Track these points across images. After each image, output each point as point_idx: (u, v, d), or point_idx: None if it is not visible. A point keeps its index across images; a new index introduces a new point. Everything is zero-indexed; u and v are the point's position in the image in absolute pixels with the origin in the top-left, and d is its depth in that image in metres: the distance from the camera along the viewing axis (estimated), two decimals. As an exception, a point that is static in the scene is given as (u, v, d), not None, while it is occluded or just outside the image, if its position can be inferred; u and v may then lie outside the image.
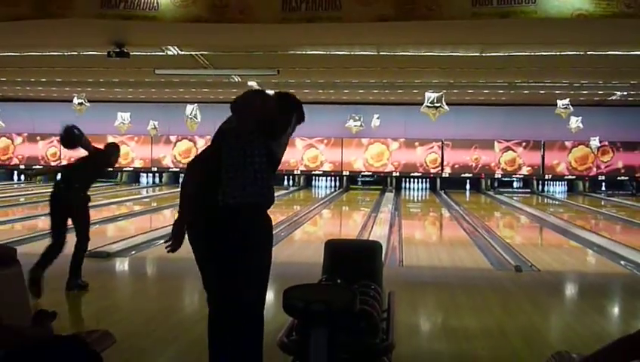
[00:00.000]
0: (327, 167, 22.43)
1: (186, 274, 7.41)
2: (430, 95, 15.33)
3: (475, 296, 6.56)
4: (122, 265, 8.21)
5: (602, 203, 19.30)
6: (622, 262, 8.79)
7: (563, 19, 5.80)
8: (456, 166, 22.13)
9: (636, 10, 5.56)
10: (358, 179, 22.86)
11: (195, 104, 18.83)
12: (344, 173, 22.54)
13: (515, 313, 5.96)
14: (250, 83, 16.02)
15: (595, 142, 20.81)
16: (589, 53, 10.52)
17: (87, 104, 17.21)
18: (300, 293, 2.80)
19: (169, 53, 10.94)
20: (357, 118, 20.66)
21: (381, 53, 10.83)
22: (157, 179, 23.55)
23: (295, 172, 22.44)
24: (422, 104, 15.58)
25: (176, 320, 5.52)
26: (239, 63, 12.52)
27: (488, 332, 5.34)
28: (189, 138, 22.35)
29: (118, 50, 9.21)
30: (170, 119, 21.34)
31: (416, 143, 22.17)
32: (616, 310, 6.63)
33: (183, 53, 11.10)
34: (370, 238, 10.34)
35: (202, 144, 22.11)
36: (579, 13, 5.68)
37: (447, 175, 22.20)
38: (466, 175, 22.23)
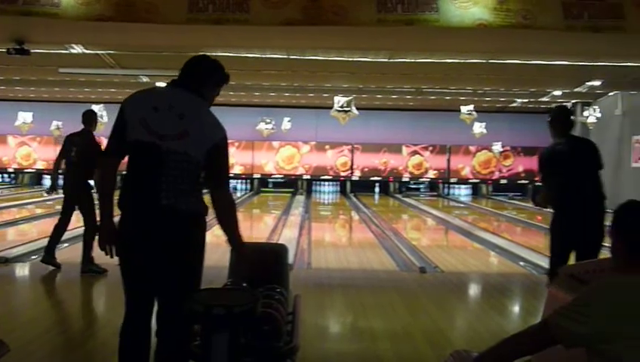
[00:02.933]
0: (237, 170, 22.27)
1: (88, 281, 7.21)
2: (340, 99, 15.52)
3: (381, 297, 6.68)
4: (22, 270, 7.91)
5: (504, 205, 20.02)
6: (521, 263, 9.13)
7: (465, 28, 6.00)
8: (366, 169, 22.45)
9: (532, 21, 5.83)
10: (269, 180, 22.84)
11: (102, 104, 18.32)
12: (255, 175, 22.47)
13: (419, 313, 6.11)
14: (158, 83, 15.74)
15: (497, 147, 21.56)
16: (490, 61, 10.88)
17: (-15, 102, 16.49)
18: (201, 298, 2.78)
19: (73, 51, 10.60)
20: (268, 120, 20.65)
21: (291, 56, 10.86)
22: (61, 181, 22.72)
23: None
24: (332, 108, 15.75)
25: (77, 328, 5.37)
26: (147, 63, 12.29)
27: (393, 332, 5.45)
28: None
29: (17, 47, 8.85)
30: (75, 119, 20.49)
31: (327, 147, 22.35)
32: (515, 309, 6.90)
33: (88, 52, 10.78)
34: (280, 241, 10.34)
35: (109, 145, 21.51)
36: (479, 23, 5.90)
37: (356, 178, 22.49)
38: (375, 178, 22.59)
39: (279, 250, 4.84)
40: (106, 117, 18.10)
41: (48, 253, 7.60)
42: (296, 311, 4.35)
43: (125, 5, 5.82)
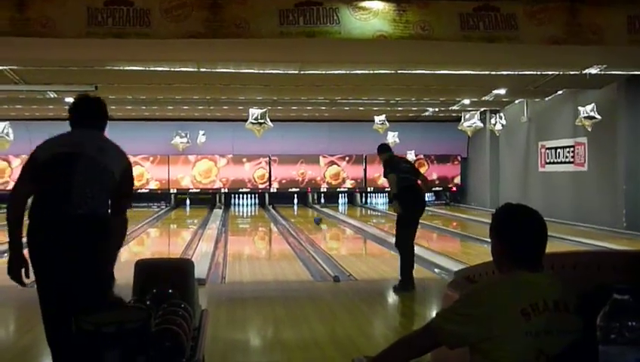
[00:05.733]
0: (153, 185, 21.93)
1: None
2: (254, 111, 15.50)
3: (293, 308, 6.70)
4: None
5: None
6: (436, 270, 9.26)
7: (366, 40, 6.12)
8: (284, 181, 22.49)
9: (430, 32, 6.00)
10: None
11: (7, 122, 17.68)
12: (172, 190, 22.16)
13: (330, 322, 6.16)
14: (67, 99, 15.35)
15: (411, 156, 21.94)
16: (399, 72, 11.11)
17: None
18: (91, 316, 2.72)
19: (-28, 67, 10.23)
20: (183, 134, 20.37)
21: (202, 69, 10.79)
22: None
23: (120, 191, 21.70)
24: (247, 120, 15.73)
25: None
26: (54, 79, 11.97)
27: (304, 342, 5.47)
28: (2, 158, 20.94)
29: None
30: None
31: (244, 159, 22.27)
32: (426, 315, 7.00)
33: (-12, 67, 10.42)
34: (195, 255, 10.26)
35: (17, 164, 20.78)
36: (379, 35, 6.02)
37: (274, 190, 22.50)
38: (293, 189, 22.65)
39: (185, 265, 4.80)
40: (12, 134, 17.49)
41: None
42: (203, 325, 4.32)
43: (20, 20, 5.64)
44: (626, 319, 1.71)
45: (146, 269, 4.61)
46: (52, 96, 14.21)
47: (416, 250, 11.36)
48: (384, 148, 8.20)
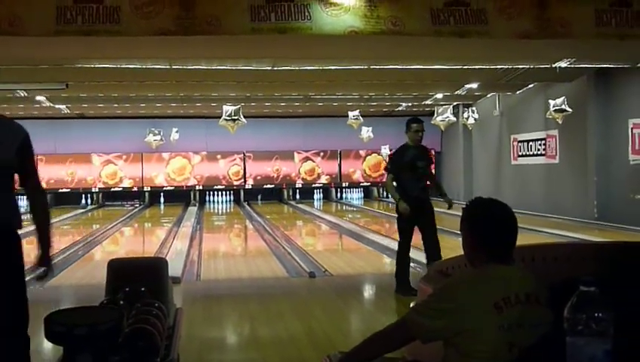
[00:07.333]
0: (127, 183, 21.76)
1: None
2: (228, 108, 15.46)
3: (268, 305, 6.70)
4: None
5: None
6: (412, 264, 9.27)
7: (338, 36, 6.12)
8: (259, 177, 22.44)
9: (401, 27, 6.02)
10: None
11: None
12: (145, 188, 22.00)
13: (306, 318, 6.16)
14: (38, 98, 15.19)
15: (385, 150, 21.96)
16: (372, 67, 11.13)
17: None
18: (62, 318, 2.70)
19: (-62, 67, 10.04)
20: (156, 132, 20.24)
21: (174, 66, 10.70)
22: None
23: (93, 190, 21.60)
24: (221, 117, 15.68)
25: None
26: (24, 77, 11.79)
27: (279, 339, 5.47)
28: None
29: None
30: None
31: (219, 156, 22.18)
32: (400, 308, 7.04)
33: (-45, 66, 10.23)
34: (170, 254, 10.21)
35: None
36: (351, 30, 6.02)
37: (250, 186, 22.44)
38: (268, 186, 22.62)
39: (158, 264, 4.77)
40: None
41: None
42: (177, 324, 4.30)
43: (-15, 18, 5.55)
44: (593, 310, 1.73)
45: (119, 269, 4.58)
46: (22, 94, 14.03)
47: (390, 243, 11.46)
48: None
